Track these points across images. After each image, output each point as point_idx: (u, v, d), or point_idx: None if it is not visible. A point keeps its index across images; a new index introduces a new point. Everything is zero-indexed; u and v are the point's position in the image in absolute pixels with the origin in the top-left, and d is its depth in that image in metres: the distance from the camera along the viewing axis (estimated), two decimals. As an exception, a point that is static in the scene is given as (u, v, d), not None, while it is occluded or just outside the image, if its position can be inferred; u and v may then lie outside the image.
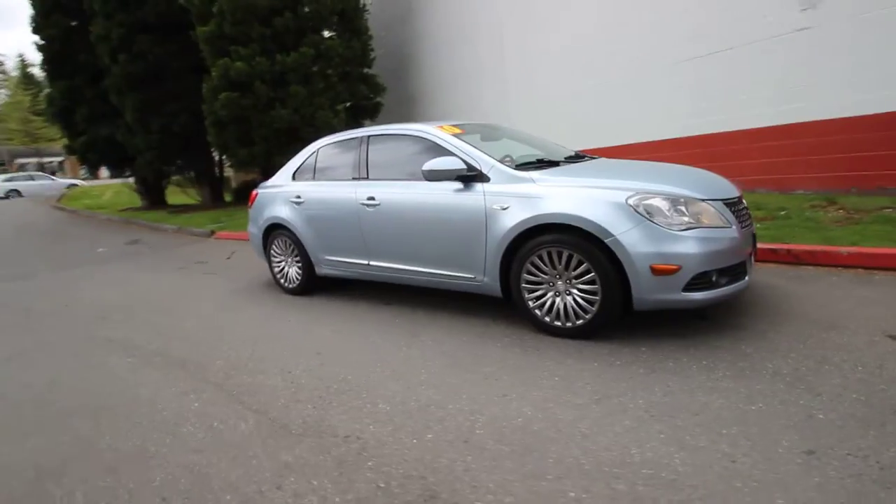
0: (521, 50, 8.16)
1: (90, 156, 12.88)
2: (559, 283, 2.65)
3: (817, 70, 4.82)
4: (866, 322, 2.49)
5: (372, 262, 3.56)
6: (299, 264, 4.13)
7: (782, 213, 4.65)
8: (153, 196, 14.10)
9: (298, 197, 3.97)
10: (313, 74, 9.12)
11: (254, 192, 4.58)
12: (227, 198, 13.75)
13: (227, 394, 2.49)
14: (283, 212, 4.09)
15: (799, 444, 1.65)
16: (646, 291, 2.39)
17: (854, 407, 1.82)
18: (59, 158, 33.69)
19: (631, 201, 2.43)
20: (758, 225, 3.78)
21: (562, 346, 2.61)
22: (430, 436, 1.92)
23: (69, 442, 2.18)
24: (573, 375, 2.27)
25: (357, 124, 10.06)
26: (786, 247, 3.63)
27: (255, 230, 4.48)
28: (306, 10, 9.33)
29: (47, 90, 13.79)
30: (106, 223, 12.17)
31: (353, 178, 3.62)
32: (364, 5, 10.03)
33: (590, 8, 6.86)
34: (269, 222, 4.23)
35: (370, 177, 3.53)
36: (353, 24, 9.69)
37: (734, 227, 2.49)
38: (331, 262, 3.88)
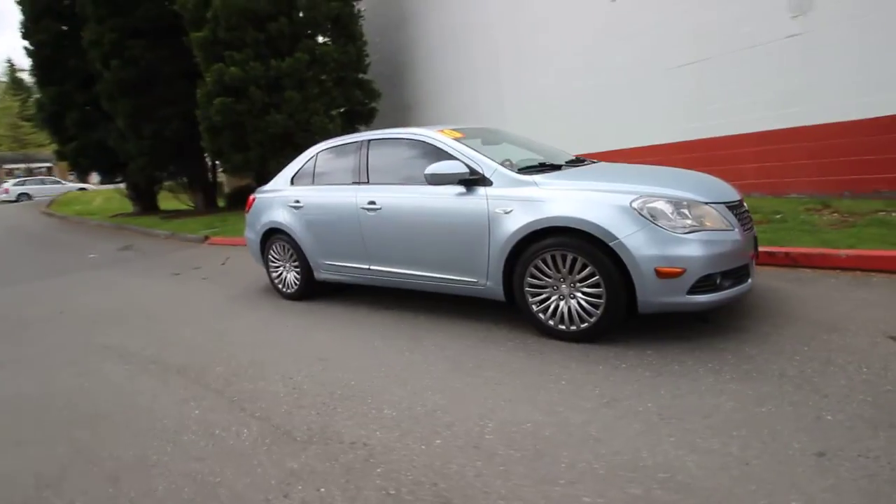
0: (515, 54, 8.21)
1: (81, 161, 12.74)
2: (563, 286, 2.64)
3: (810, 76, 4.90)
4: (867, 324, 2.51)
5: (372, 267, 3.53)
6: (298, 269, 4.09)
7: (778, 216, 4.70)
8: (145, 202, 13.96)
9: (297, 201, 3.95)
10: (308, 80, 9.11)
11: (251, 197, 4.54)
12: (221, 203, 13.65)
13: (228, 401, 2.45)
14: (281, 216, 4.05)
15: (810, 445, 1.64)
16: (651, 294, 2.39)
17: (862, 408, 1.82)
18: (48, 164, 33.29)
19: (635, 204, 2.44)
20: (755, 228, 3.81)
21: (566, 349, 2.60)
22: (438, 441, 1.89)
23: (67, 450, 2.13)
24: (580, 379, 2.26)
25: (352, 130, 10.04)
26: (784, 250, 3.66)
27: (252, 235, 4.44)
28: (301, 15, 9.34)
29: (37, 96, 13.64)
30: (97, 229, 12.02)
31: (354, 183, 3.60)
32: (359, 11, 10.05)
33: (584, 13, 6.93)
34: (266, 227, 4.20)
35: (371, 181, 3.51)
36: (347, 29, 9.71)
37: (737, 229, 2.50)
38: (330, 267, 3.84)
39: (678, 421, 1.85)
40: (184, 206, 13.42)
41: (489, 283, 2.91)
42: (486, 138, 3.60)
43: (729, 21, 5.37)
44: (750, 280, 2.57)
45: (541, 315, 2.73)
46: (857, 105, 4.63)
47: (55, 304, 4.93)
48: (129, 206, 14.57)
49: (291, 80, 8.91)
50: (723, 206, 2.55)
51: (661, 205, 2.44)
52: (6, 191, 23.71)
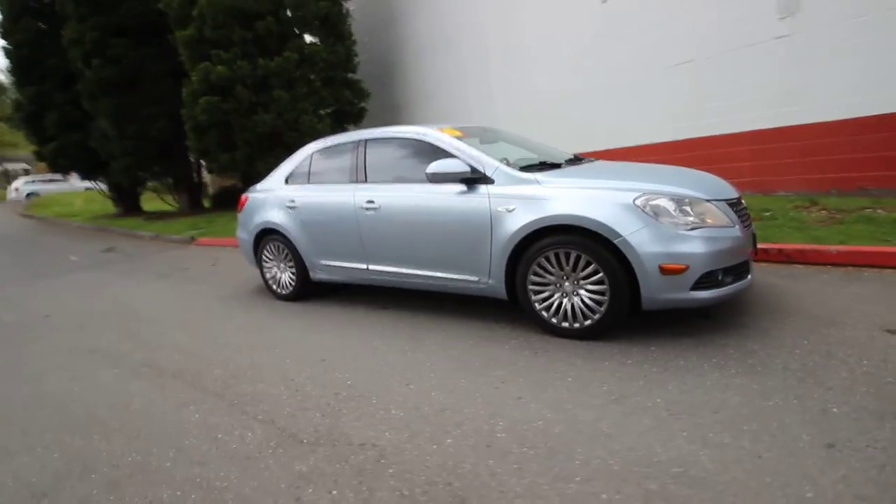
0: (505, 53, 8.23)
1: (60, 162, 12.40)
2: (566, 284, 2.64)
3: (798, 76, 5.00)
4: (863, 318, 2.56)
5: (371, 267, 3.50)
6: (293, 270, 4.03)
7: (767, 213, 4.78)
8: (127, 203, 13.65)
9: (292, 201, 3.89)
10: (297, 79, 9.00)
11: (243, 197, 4.47)
12: (206, 204, 13.42)
13: (229, 404, 2.39)
14: (275, 216, 3.99)
15: (819, 437, 1.66)
16: (654, 291, 2.41)
17: (866, 400, 1.85)
18: (24, 166, 32.35)
19: (638, 202, 2.45)
20: (748, 226, 3.86)
21: (570, 347, 2.60)
22: (449, 441, 1.87)
23: (61, 459, 2.06)
24: (586, 376, 2.26)
25: (341, 130, 9.95)
26: (777, 246, 3.72)
27: (245, 235, 4.36)
28: (289, 14, 9.23)
29: (15, 96, 13.25)
30: (78, 231, 11.71)
31: (351, 182, 3.56)
32: (347, 10, 9.98)
33: (576, 13, 6.97)
34: (260, 227, 4.13)
35: (368, 180, 3.47)
36: (336, 28, 9.62)
37: (737, 226, 2.53)
38: (326, 267, 3.79)
39: (688, 416, 1.86)
40: (168, 207, 13.16)
41: (491, 281, 2.90)
42: (483, 137, 3.59)
43: (722, 22, 5.45)
44: (750, 276, 2.60)
45: (544, 313, 2.73)
46: (843, 105, 4.74)
47: (39, 308, 4.78)
48: (110, 208, 14.24)
49: (280, 80, 8.80)
50: (723, 203, 2.58)
51: (663, 202, 2.45)
52: (16, 189, 24.33)
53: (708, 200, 2.53)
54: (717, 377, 2.12)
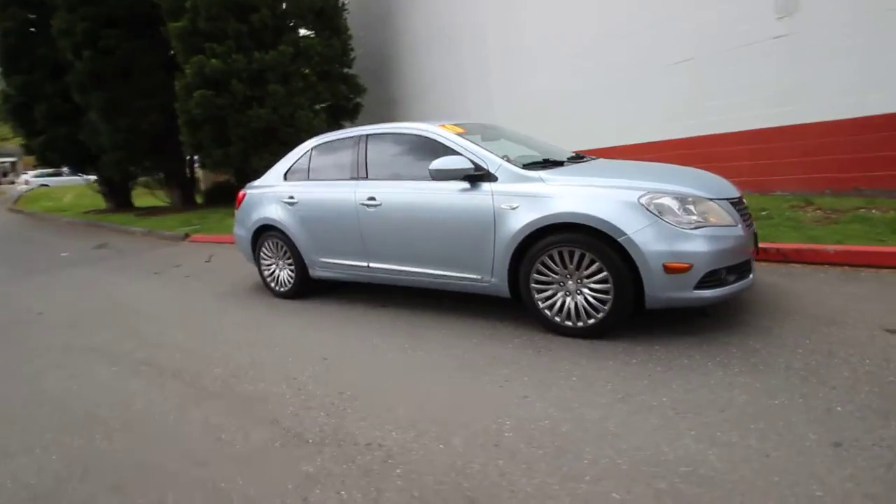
0: (505, 50, 8.19)
1: (49, 155, 12.22)
2: (569, 282, 2.64)
3: (795, 76, 5.02)
4: (862, 317, 2.59)
5: (371, 264, 3.48)
6: (291, 267, 4.00)
7: (763, 213, 4.81)
8: (118, 198, 13.49)
9: (291, 197, 3.85)
10: (292, 73, 8.92)
11: (241, 193, 4.42)
12: (199, 200, 13.29)
13: (230, 403, 2.37)
14: (274, 213, 3.95)
15: (825, 436, 1.68)
16: (659, 290, 2.41)
17: (869, 399, 1.87)
18: (12, 159, 31.79)
19: (642, 200, 2.45)
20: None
21: (573, 345, 2.60)
22: (456, 440, 1.86)
23: (62, 459, 2.03)
24: (591, 375, 2.27)
25: (337, 125, 9.88)
26: (774, 245, 3.75)
27: (242, 232, 4.31)
28: (284, 7, 9.13)
29: (1, 87, 13.00)
30: (68, 226, 11.55)
31: (352, 178, 3.53)
32: (343, 4, 9.88)
33: (576, 11, 6.96)
34: (259, 224, 4.09)
35: (370, 176, 3.45)
36: (332, 22, 9.53)
37: (739, 225, 2.54)
38: (326, 265, 3.77)
39: (694, 415, 1.87)
40: (160, 203, 13.01)
41: (494, 279, 2.90)
42: (484, 134, 3.57)
43: (720, 21, 5.46)
44: (752, 275, 2.62)
45: (547, 311, 2.73)
46: (839, 105, 4.77)
47: (32, 306, 4.71)
48: (101, 203, 14.06)
49: (275, 74, 8.71)
50: (726, 202, 2.59)
51: (667, 201, 2.46)
52: (27, 182, 25.20)
53: (711, 199, 2.54)
54: (721, 376, 2.13)
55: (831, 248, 3.53)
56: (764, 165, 5.35)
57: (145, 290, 5.02)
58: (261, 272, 4.26)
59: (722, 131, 5.65)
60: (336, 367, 2.67)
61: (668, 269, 2.38)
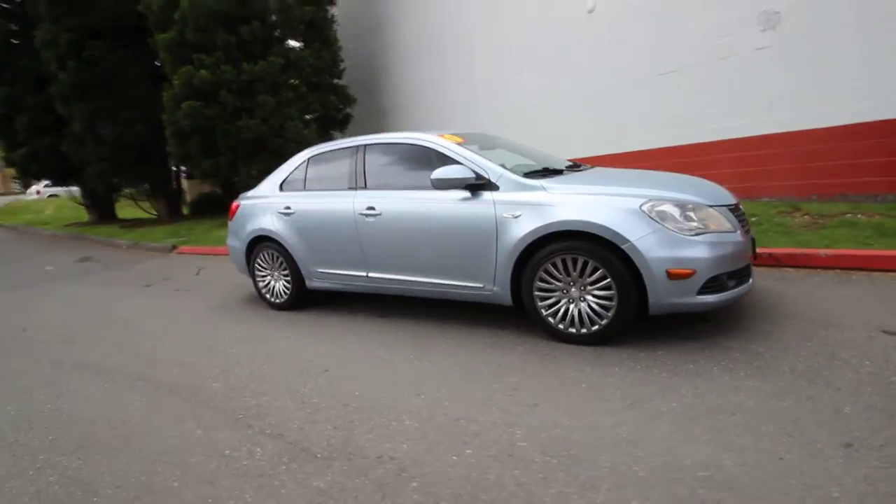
0: (491, 61, 8.29)
1: (32, 167, 11.95)
2: (573, 289, 2.65)
3: (779, 86, 5.17)
4: (859, 319, 2.64)
5: (370, 274, 3.45)
6: (287, 278, 3.95)
7: (753, 218, 4.91)
8: (102, 210, 13.24)
9: (288, 208, 3.81)
10: (282, 84, 8.89)
11: (234, 204, 4.36)
12: (185, 211, 13.11)
13: (233, 418, 2.31)
14: (270, 223, 3.91)
15: (835, 437, 1.70)
16: (662, 295, 2.43)
17: (874, 399, 1.90)
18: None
19: (644, 207, 2.48)
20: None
21: (578, 352, 2.60)
22: (469, 451, 1.84)
23: (59, 482, 1.95)
24: (598, 382, 2.27)
25: (327, 136, 9.87)
26: (767, 250, 3.82)
27: (236, 243, 4.25)
28: (274, 18, 9.13)
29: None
30: (51, 240, 11.27)
31: (350, 188, 3.51)
32: (333, 16, 9.92)
33: (563, 21, 7.08)
34: (254, 234, 4.03)
35: (368, 186, 3.43)
36: (322, 34, 9.55)
37: (738, 231, 2.59)
38: (323, 275, 3.73)
39: (706, 419, 1.88)
40: (145, 215, 12.80)
41: (496, 288, 2.89)
42: (482, 143, 3.59)
43: (705, 33, 5.61)
44: (751, 280, 2.66)
45: (550, 319, 2.73)
46: (824, 114, 4.91)
47: (16, 321, 4.56)
48: (83, 215, 13.78)
49: (264, 85, 8.68)
50: (724, 208, 2.64)
51: (668, 208, 2.49)
52: (38, 192, 25.69)
53: (710, 206, 2.58)
54: (727, 380, 2.15)
55: (823, 252, 3.61)
56: (751, 172, 5.47)
57: (135, 304, 4.90)
58: (256, 284, 4.20)
59: (708, 140, 5.77)
60: (339, 378, 2.63)
61: (671, 276, 2.40)
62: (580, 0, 6.71)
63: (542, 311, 2.75)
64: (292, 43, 9.64)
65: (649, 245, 2.41)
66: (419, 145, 3.23)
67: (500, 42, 8.06)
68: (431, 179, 2.90)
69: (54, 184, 13.60)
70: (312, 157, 3.89)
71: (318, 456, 1.92)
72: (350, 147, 3.62)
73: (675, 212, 2.49)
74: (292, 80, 9.10)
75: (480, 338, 2.97)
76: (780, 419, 1.83)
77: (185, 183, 13.92)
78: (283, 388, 2.57)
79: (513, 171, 2.97)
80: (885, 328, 2.49)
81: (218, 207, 11.54)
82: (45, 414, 2.58)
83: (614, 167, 4.79)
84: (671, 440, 1.77)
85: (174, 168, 12.32)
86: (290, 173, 3.98)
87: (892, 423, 1.74)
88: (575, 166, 3.48)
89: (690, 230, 2.46)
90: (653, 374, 2.28)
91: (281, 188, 3.99)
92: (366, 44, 10.87)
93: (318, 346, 3.19)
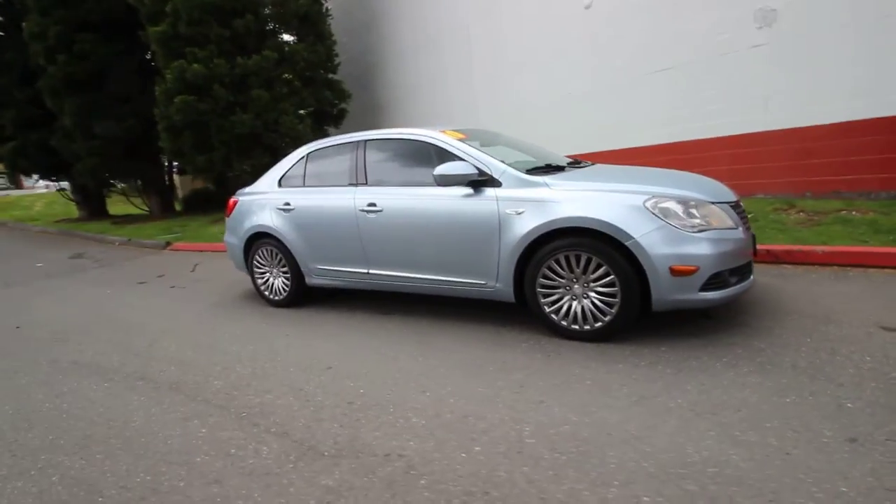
0: (489, 57, 8.27)
1: (20, 162, 11.74)
2: (576, 286, 2.66)
3: (775, 84, 5.20)
4: (858, 315, 2.67)
5: (371, 271, 3.43)
6: (287, 275, 3.92)
7: (749, 215, 4.90)
8: (92, 206, 13.07)
9: (287, 204, 3.78)
10: (276, 79, 8.81)
11: (232, 200, 4.32)
12: (177, 207, 12.97)
13: (237, 416, 2.29)
14: (269, 220, 3.87)
15: (840, 432, 1.72)
16: (665, 292, 2.45)
17: (876, 395, 1.93)
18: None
19: (648, 204, 2.48)
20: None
21: (581, 349, 2.61)
22: (478, 448, 1.84)
23: (62, 482, 1.92)
24: (603, 378, 2.28)
25: (321, 131, 9.81)
26: (765, 247, 3.85)
27: (234, 240, 4.21)
28: (268, 12, 9.04)
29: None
30: (41, 235, 11.11)
31: (350, 184, 3.49)
32: (327, 10, 9.84)
33: (561, 17, 7.07)
34: (252, 231, 4.00)
35: (369, 182, 3.41)
36: (316, 28, 9.47)
37: (740, 228, 2.60)
38: (323, 272, 3.71)
39: (711, 415, 1.89)
40: (136, 211, 12.65)
41: (499, 284, 2.89)
42: (483, 140, 3.58)
43: (702, 30, 5.62)
44: (752, 277, 2.68)
45: (553, 316, 2.74)
46: (819, 112, 4.95)
47: (8, 319, 4.50)
48: (73, 211, 13.59)
49: (258, 79, 8.60)
50: (726, 205, 2.65)
51: (671, 205, 2.50)
52: (47, 186, 24.98)
53: (712, 203, 2.59)
54: (731, 376, 2.17)
55: (820, 248, 3.65)
56: (746, 169, 5.51)
57: (129, 302, 4.85)
58: (254, 280, 4.17)
59: (704, 136, 5.80)
60: (342, 376, 2.62)
61: (674, 272, 2.41)
62: (577, -4, 6.70)
63: (545, 307, 2.75)
64: (286, 37, 9.55)
65: (653, 242, 2.42)
66: (421, 141, 3.21)
67: (498, 38, 8.04)
68: (434, 175, 2.88)
69: (45, 179, 13.35)
70: (312, 152, 3.86)
71: (326, 454, 1.91)
72: (350, 143, 3.59)
73: (679, 208, 2.50)
74: (286, 75, 9.03)
75: (483, 335, 2.97)
76: (785, 415, 1.85)
77: (176, 179, 13.77)
78: (287, 386, 2.55)
79: (515, 167, 2.96)
80: (883, 324, 2.53)
81: (210, 203, 11.44)
82: (44, 413, 2.55)
83: (610, 163, 4.81)
84: (678, 436, 1.78)
85: (166, 163, 12.18)
86: (289, 169, 3.94)
87: (895, 418, 1.76)
88: (576, 163, 3.48)
89: (693, 227, 2.47)
90: (657, 371, 2.29)
91: (280, 184, 3.96)
92: (361, 38, 10.79)
93: (319, 343, 3.18)
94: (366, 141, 3.50)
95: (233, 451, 2.01)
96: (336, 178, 3.60)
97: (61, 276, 6.60)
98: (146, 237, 9.02)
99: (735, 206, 2.76)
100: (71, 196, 13.29)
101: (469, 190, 2.93)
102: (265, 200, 3.98)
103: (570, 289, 2.68)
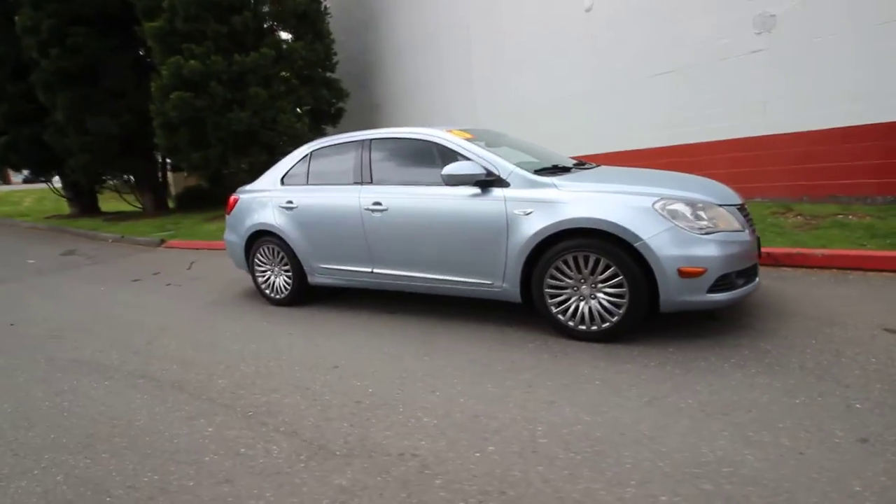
0: (488, 57, 8.28)
1: (11, 157, 11.56)
2: (583, 287, 2.66)
3: (774, 88, 5.26)
4: (860, 318, 2.71)
5: (376, 270, 3.42)
6: (288, 273, 3.89)
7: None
8: (83, 202, 12.89)
9: (290, 202, 3.75)
10: (273, 76, 8.76)
11: (233, 198, 4.28)
12: (171, 204, 12.84)
13: (244, 416, 2.27)
14: (271, 218, 3.84)
15: (851, 432, 1.74)
16: (674, 293, 2.46)
17: (883, 396, 1.95)
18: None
19: (656, 206, 2.50)
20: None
21: (588, 349, 2.62)
22: (491, 448, 1.84)
23: (67, 481, 1.89)
24: (613, 379, 2.28)
25: (319, 130, 9.76)
26: (766, 250, 3.87)
27: (235, 238, 4.18)
28: (266, 9, 8.98)
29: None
30: (31, 232, 10.93)
31: (355, 183, 3.47)
32: (326, 8, 9.80)
33: (562, 19, 7.10)
34: (254, 229, 3.96)
35: (374, 181, 3.40)
36: (315, 26, 9.44)
37: (746, 230, 2.63)
38: (326, 271, 3.68)
39: (723, 416, 1.90)
40: (129, 208, 12.50)
41: (505, 285, 2.89)
42: (488, 140, 3.57)
43: (702, 35, 5.67)
44: (757, 279, 2.70)
45: (560, 316, 2.74)
46: (816, 117, 5.02)
47: (2, 316, 4.42)
48: (65, 207, 13.40)
49: (256, 77, 8.54)
50: (733, 207, 2.67)
51: (680, 206, 2.51)
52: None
53: (719, 205, 2.61)
54: (740, 377, 2.18)
55: (819, 252, 3.69)
56: (745, 173, 5.55)
57: (125, 299, 4.78)
58: (255, 279, 4.13)
59: (704, 140, 5.85)
60: (349, 375, 2.60)
61: (682, 274, 2.43)
62: (578, -2, 6.74)
63: (553, 308, 2.75)
64: (284, 35, 9.51)
65: (662, 243, 2.43)
66: (428, 141, 3.20)
67: (498, 38, 8.05)
68: (442, 175, 2.88)
69: (36, 174, 13.15)
70: (315, 150, 3.83)
71: (338, 454, 1.89)
72: (355, 141, 3.58)
73: (687, 210, 2.51)
74: (284, 73, 8.98)
75: (488, 335, 2.97)
76: (796, 415, 1.87)
77: (169, 176, 13.63)
78: (293, 385, 2.53)
79: (522, 168, 2.96)
80: (886, 326, 2.56)
81: (204, 201, 11.34)
82: (44, 412, 2.50)
83: (612, 165, 4.83)
84: (691, 436, 1.79)
85: (160, 160, 12.05)
86: (292, 167, 3.92)
87: (904, 418, 1.79)
88: (581, 164, 3.49)
89: (701, 229, 2.49)
90: (666, 371, 2.30)
91: (282, 182, 3.93)
92: (359, 36, 10.76)
93: (322, 341, 3.15)
94: (371, 140, 3.49)
95: (242, 450, 1.98)
96: (340, 176, 3.58)
97: (54, 272, 6.51)
98: (139, 234, 8.92)
99: (741, 208, 2.78)
100: (62, 192, 13.10)
101: (476, 190, 2.93)
102: (267, 198, 3.94)
103: (578, 289, 2.68)
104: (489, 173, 2.88)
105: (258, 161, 8.49)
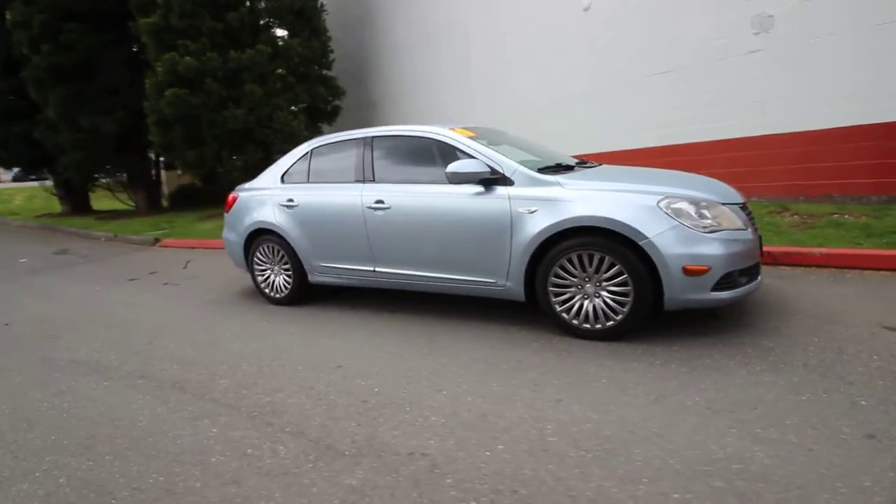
0: (486, 55, 8.27)
1: (0, 155, 11.38)
2: (588, 285, 2.67)
3: (772, 88, 5.30)
4: (860, 316, 2.73)
5: (377, 269, 3.40)
6: (288, 272, 3.86)
7: (745, 218, 5.03)
8: (75, 200, 12.74)
9: (290, 200, 3.72)
10: (270, 74, 8.69)
11: (231, 196, 4.24)
12: (164, 203, 12.72)
13: (248, 416, 2.25)
14: (271, 216, 3.81)
15: (857, 429, 1.75)
16: (678, 291, 2.47)
17: (887, 392, 1.97)
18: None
19: (661, 204, 2.50)
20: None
21: (593, 348, 2.62)
22: (501, 446, 1.83)
23: (70, 484, 1.86)
24: (619, 377, 2.29)
25: (315, 128, 9.71)
26: (766, 249, 3.90)
27: (234, 237, 4.14)
28: (262, 6, 8.91)
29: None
30: (22, 230, 10.79)
31: (357, 181, 3.45)
32: (322, 5, 9.74)
33: (560, 18, 7.10)
34: (253, 227, 3.93)
35: (377, 179, 3.38)
36: (311, 23, 9.38)
37: (749, 229, 2.64)
38: (327, 269, 3.66)
39: (730, 413, 1.91)
40: (121, 206, 12.37)
41: (509, 283, 2.89)
42: (490, 139, 3.56)
43: (700, 35, 5.70)
44: (760, 277, 2.72)
45: (564, 314, 2.74)
46: (813, 117, 5.06)
47: (-4, 316, 4.35)
48: (56, 206, 13.23)
49: (252, 74, 8.47)
50: (736, 206, 2.69)
51: (684, 205, 2.52)
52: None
53: (723, 204, 2.63)
54: (745, 375, 2.20)
55: (817, 251, 3.72)
56: (742, 172, 5.58)
57: (121, 299, 4.73)
58: (254, 278, 4.10)
59: (702, 140, 5.88)
60: (354, 374, 2.59)
61: (687, 272, 2.44)
62: (576, -3, 6.75)
63: (557, 306, 2.75)
64: (280, 32, 9.44)
65: (667, 241, 2.44)
66: (430, 138, 3.19)
67: (496, 36, 8.04)
68: (446, 173, 2.87)
69: (26, 172, 12.97)
70: (315, 148, 3.81)
71: (346, 454, 1.88)
72: (357, 139, 3.55)
73: (691, 209, 2.52)
74: (280, 70, 8.92)
75: (492, 333, 2.96)
76: (802, 412, 1.88)
77: (163, 174, 13.50)
78: (296, 385, 2.51)
79: (526, 166, 2.96)
80: (886, 324, 2.59)
81: (198, 199, 11.25)
82: (42, 413, 2.47)
83: (611, 164, 4.84)
84: (700, 434, 1.80)
85: (154, 158, 11.93)
86: (292, 165, 3.89)
87: (909, 415, 1.81)
88: (583, 163, 3.50)
89: (705, 227, 2.50)
90: (671, 369, 2.31)
91: (283, 180, 3.90)
92: (356, 34, 10.71)
93: (324, 341, 3.13)
94: (373, 137, 3.47)
95: (249, 450, 1.97)
96: (342, 174, 3.56)
97: (46, 271, 6.42)
98: (133, 233, 8.83)
99: (743, 207, 2.80)
100: (53, 190, 12.94)
101: (480, 188, 2.92)
102: (267, 196, 3.91)
103: (582, 288, 2.69)
104: (493, 171, 2.88)
105: (253, 159, 8.43)
